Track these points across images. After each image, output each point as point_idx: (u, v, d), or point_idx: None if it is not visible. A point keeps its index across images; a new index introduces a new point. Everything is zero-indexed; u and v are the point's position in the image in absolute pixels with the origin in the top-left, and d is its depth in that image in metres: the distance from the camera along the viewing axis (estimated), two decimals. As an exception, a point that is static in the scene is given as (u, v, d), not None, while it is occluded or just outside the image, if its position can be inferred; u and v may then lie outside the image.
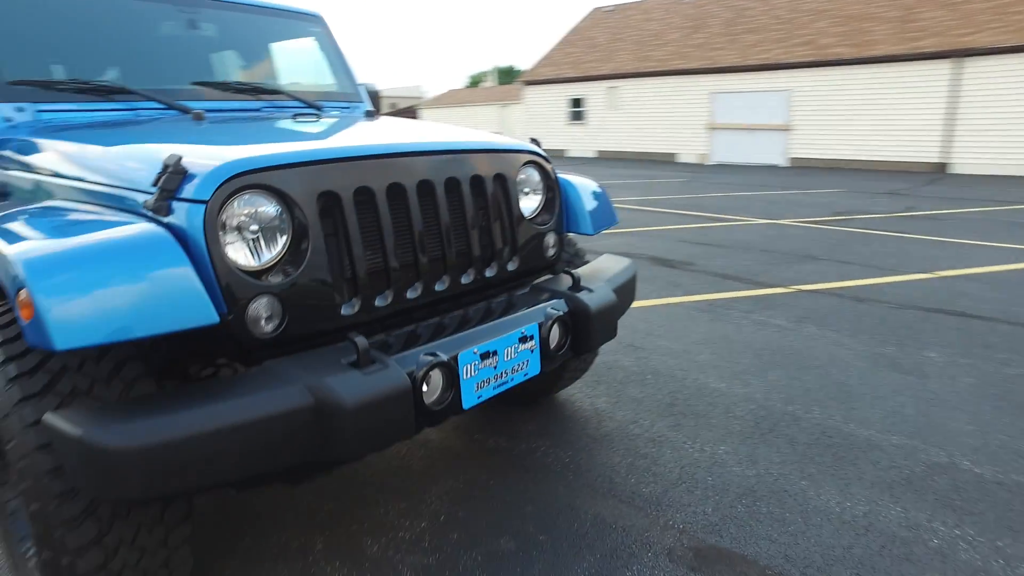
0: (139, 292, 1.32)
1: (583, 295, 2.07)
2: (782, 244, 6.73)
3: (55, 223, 1.56)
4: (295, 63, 3.32)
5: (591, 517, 2.15)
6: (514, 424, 2.84)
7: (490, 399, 1.83)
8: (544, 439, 2.70)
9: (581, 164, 20.08)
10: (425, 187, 1.86)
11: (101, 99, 2.39)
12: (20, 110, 2.27)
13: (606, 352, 3.66)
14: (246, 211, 1.52)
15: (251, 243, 1.54)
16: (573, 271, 2.17)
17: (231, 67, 3.03)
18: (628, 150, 22.67)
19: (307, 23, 3.32)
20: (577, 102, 24.24)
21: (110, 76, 2.56)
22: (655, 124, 21.80)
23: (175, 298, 1.35)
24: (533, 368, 1.93)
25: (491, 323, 1.86)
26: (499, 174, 2.10)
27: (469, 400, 1.73)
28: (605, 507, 2.20)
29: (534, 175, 2.29)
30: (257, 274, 1.53)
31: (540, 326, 1.93)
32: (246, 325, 1.50)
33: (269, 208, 1.55)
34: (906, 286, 4.98)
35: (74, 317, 1.25)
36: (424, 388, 1.62)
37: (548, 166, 2.33)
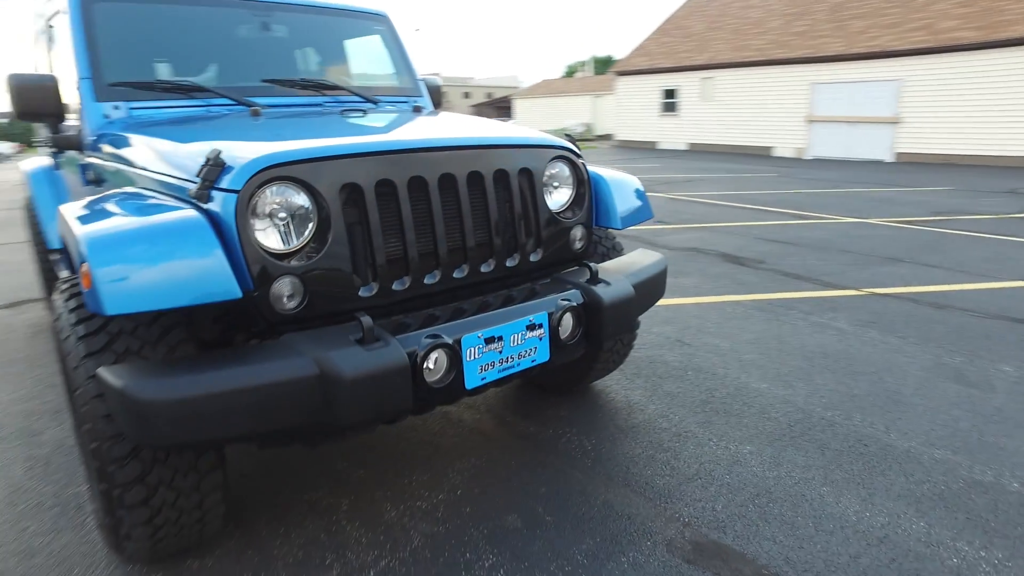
0: (173, 269, 1.53)
1: (599, 288, 2.13)
2: (865, 244, 6.35)
3: (121, 208, 1.81)
4: (361, 59, 3.55)
5: (600, 503, 2.22)
6: (546, 411, 2.93)
7: (498, 381, 1.94)
8: (572, 426, 2.78)
9: (671, 157, 19.62)
10: (447, 180, 1.98)
11: (183, 96, 2.69)
12: (116, 108, 2.61)
13: (651, 346, 3.67)
14: (275, 200, 1.70)
15: (279, 228, 1.72)
16: (592, 264, 2.23)
17: (301, 65, 3.29)
18: (721, 143, 21.89)
19: (372, 22, 3.53)
20: (670, 93, 23.64)
21: (193, 76, 2.88)
22: (750, 116, 20.89)
23: (203, 275, 1.56)
24: (542, 355, 2.01)
25: (504, 310, 1.96)
26: (524, 168, 2.18)
27: (472, 381, 1.85)
28: (616, 495, 2.26)
29: (564, 170, 2.36)
30: (282, 256, 1.71)
31: (550, 316, 2.00)
32: (270, 302, 1.68)
33: (295, 198, 1.73)
34: (996, 294, 4.60)
35: (120, 288, 1.48)
36: (429, 367, 1.75)
37: (579, 161, 2.38)
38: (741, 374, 3.27)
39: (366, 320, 1.67)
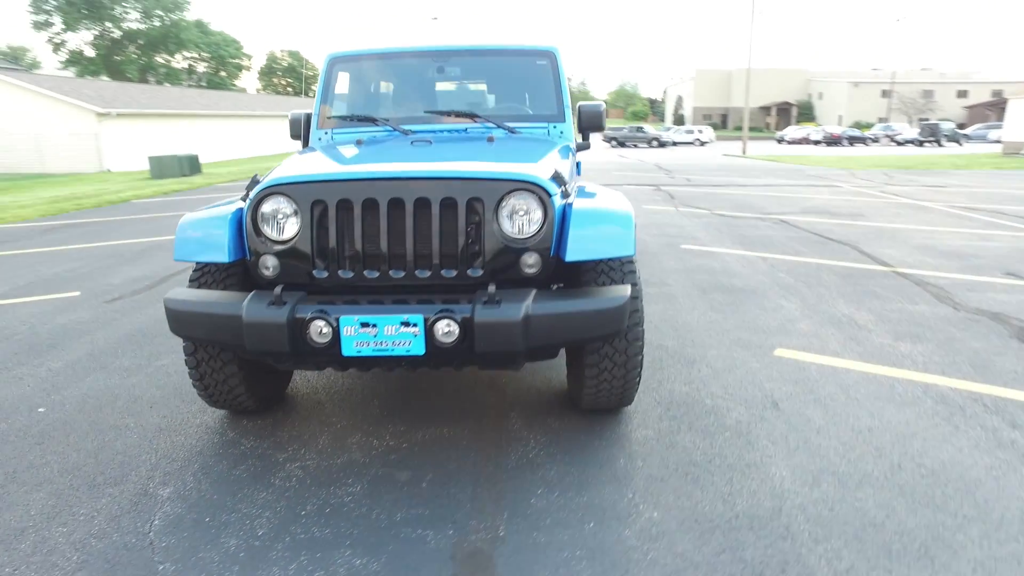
0: (200, 240, 2.67)
1: (482, 307, 2.42)
2: None
3: (219, 203, 3.03)
4: (522, 90, 4.19)
5: (468, 494, 2.53)
6: (548, 420, 3.16)
7: (378, 359, 2.51)
8: (548, 436, 2.98)
9: None
10: (396, 203, 2.60)
11: (361, 125, 3.88)
12: (327, 133, 3.97)
13: (735, 398, 3.34)
14: (269, 207, 2.65)
15: (274, 224, 2.67)
16: (493, 286, 2.49)
17: (472, 97, 4.14)
18: None
19: (538, 57, 4.10)
20: None
21: (389, 110, 4.06)
22: None
23: (210, 246, 2.64)
24: (416, 349, 2.46)
25: (391, 306, 2.50)
26: (476, 198, 2.59)
27: (348, 351, 2.47)
28: (484, 490, 2.53)
29: (527, 201, 2.62)
30: (273, 242, 2.67)
31: (426, 319, 2.44)
32: (258, 268, 2.67)
33: (284, 207, 2.64)
34: None
35: (179, 248, 2.69)
36: (317, 331, 2.45)
37: (543, 194, 2.62)
38: (779, 455, 2.79)
39: (277, 290, 2.50)
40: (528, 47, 4.13)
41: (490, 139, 3.46)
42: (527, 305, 2.45)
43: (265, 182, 2.65)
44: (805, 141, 45.27)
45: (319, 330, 2.46)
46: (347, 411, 3.30)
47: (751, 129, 61.76)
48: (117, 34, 57.59)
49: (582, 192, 3.08)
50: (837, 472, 2.65)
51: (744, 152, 32.14)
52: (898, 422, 3.08)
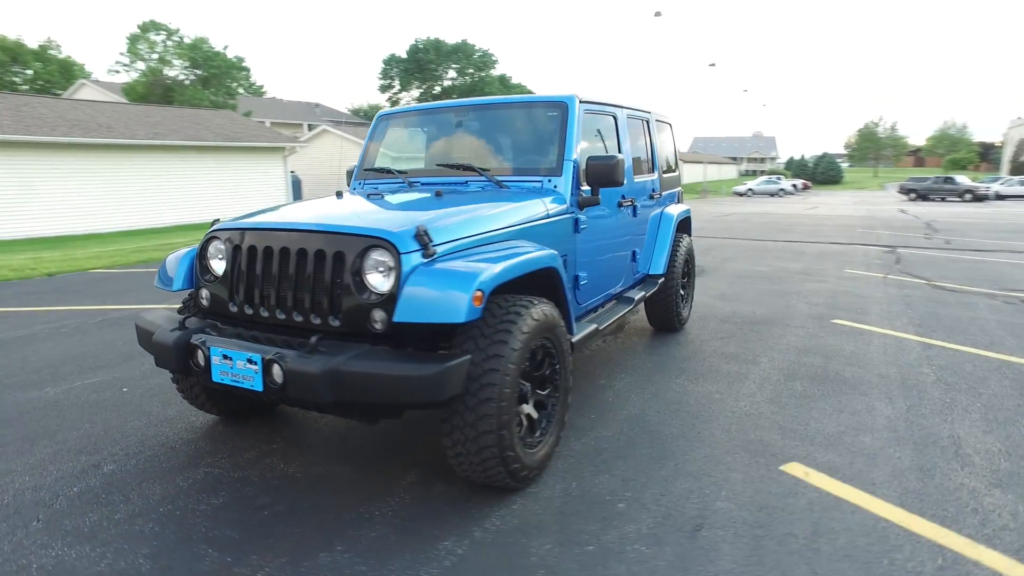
0: (165, 271, 3.29)
1: (299, 356, 2.54)
2: None
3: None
4: (531, 141, 4.10)
5: (312, 524, 2.64)
6: (441, 485, 3.05)
7: (235, 389, 2.78)
8: (418, 499, 2.89)
9: None
10: (284, 252, 2.89)
11: (381, 178, 4.27)
12: (360, 184, 4.44)
13: (658, 512, 2.80)
14: (211, 248, 3.17)
15: (212, 263, 3.17)
16: (315, 339, 2.58)
17: (482, 150, 4.21)
18: None
19: (551, 109, 3.99)
20: None
21: (412, 163, 4.39)
22: None
23: (168, 276, 3.25)
24: (256, 385, 2.67)
25: (246, 343, 2.76)
26: (339, 252, 2.75)
27: (216, 377, 2.79)
28: (329, 529, 2.60)
29: (383, 258, 2.69)
30: (209, 276, 3.17)
31: (263, 359, 2.64)
32: (198, 299, 3.20)
33: (220, 248, 3.13)
34: None
35: (159, 278, 3.35)
36: (198, 356, 2.85)
37: (394, 250, 2.65)
38: (618, 586, 2.29)
39: (181, 316, 2.97)
40: (543, 98, 4.06)
41: (438, 193, 3.53)
42: (339, 360, 2.51)
43: (211, 228, 3.17)
44: None
45: (200, 356, 2.86)
46: (293, 433, 3.63)
47: None
48: (437, 90, 68.93)
49: (487, 252, 2.95)
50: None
51: (1094, 210, 24.58)
52: (836, 593, 2.25)
